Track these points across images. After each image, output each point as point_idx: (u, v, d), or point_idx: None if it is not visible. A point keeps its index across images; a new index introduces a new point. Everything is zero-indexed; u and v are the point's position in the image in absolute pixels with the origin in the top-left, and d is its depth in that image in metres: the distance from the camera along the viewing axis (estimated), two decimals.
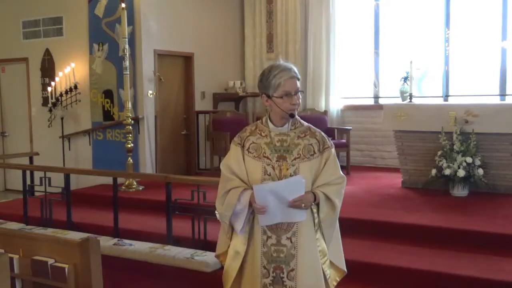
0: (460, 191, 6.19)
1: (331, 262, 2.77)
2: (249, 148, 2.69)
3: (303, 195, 2.56)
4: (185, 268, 4.56)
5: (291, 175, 2.60)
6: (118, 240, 5.20)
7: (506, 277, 3.96)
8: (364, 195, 6.43)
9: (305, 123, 2.76)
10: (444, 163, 6.17)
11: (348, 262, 4.49)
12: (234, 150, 2.73)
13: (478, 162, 6.10)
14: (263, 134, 2.69)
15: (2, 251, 2.74)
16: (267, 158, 2.64)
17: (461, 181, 6.12)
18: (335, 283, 2.83)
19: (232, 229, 2.73)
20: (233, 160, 2.71)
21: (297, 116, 2.71)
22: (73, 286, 2.59)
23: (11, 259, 2.69)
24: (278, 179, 2.61)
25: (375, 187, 6.92)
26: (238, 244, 2.72)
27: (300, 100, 2.68)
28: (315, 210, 2.67)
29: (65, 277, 2.59)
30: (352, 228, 5.14)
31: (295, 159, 2.63)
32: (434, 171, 6.29)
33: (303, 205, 2.56)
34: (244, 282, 2.73)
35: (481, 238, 4.69)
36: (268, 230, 2.65)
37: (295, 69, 2.66)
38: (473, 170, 6.06)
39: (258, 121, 2.78)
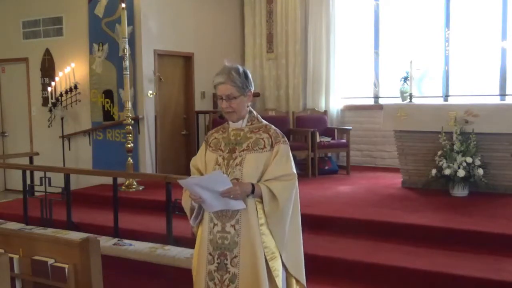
0: (460, 191, 6.19)
1: (286, 269, 2.78)
2: (210, 143, 2.86)
3: (231, 187, 2.61)
4: (185, 268, 4.55)
5: (236, 165, 2.70)
6: (118, 240, 5.20)
7: (506, 277, 3.96)
8: (364, 195, 6.43)
9: (264, 122, 2.85)
10: (444, 163, 6.17)
11: (348, 262, 4.52)
12: (201, 147, 2.93)
13: (478, 162, 6.09)
14: (223, 131, 2.85)
15: (2, 251, 2.74)
16: (221, 150, 2.79)
17: (461, 181, 6.11)
18: None
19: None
20: (198, 156, 2.92)
21: (256, 114, 2.85)
22: (73, 286, 2.59)
23: (11, 259, 2.70)
24: (226, 168, 2.72)
25: (375, 187, 6.92)
26: (199, 234, 2.87)
27: (238, 104, 2.72)
28: (259, 206, 2.71)
29: (65, 277, 2.59)
30: (352, 228, 5.17)
31: (242, 150, 2.74)
32: (434, 171, 6.29)
33: (231, 196, 2.62)
34: (195, 270, 2.85)
35: (481, 238, 4.69)
36: (215, 218, 2.75)
37: (231, 75, 2.71)
38: (473, 170, 6.06)
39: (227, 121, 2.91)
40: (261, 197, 2.68)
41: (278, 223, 2.73)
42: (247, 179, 2.68)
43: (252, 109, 2.86)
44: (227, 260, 2.72)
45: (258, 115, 2.87)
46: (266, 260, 2.70)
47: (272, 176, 2.70)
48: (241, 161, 2.71)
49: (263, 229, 2.70)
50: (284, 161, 2.73)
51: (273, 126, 2.83)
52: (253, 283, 2.67)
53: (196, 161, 2.90)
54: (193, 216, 2.82)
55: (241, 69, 2.77)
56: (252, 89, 2.81)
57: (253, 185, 2.67)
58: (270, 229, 2.72)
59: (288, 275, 2.80)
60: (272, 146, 2.73)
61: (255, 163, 2.70)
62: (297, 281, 2.83)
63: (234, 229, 2.71)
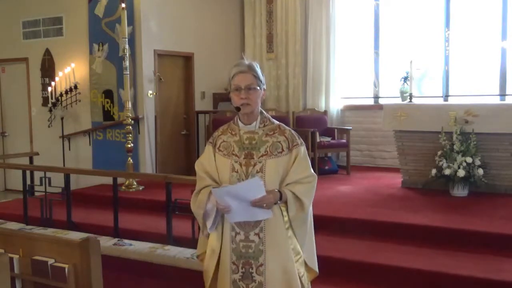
0: (460, 191, 6.19)
1: (305, 262, 2.79)
2: (219, 146, 2.74)
3: (265, 195, 2.56)
4: (185, 268, 4.56)
5: (257, 172, 2.63)
6: (118, 240, 5.20)
7: (506, 277, 3.96)
8: (364, 195, 6.43)
9: (276, 122, 2.78)
10: (444, 163, 6.17)
11: (348, 262, 4.52)
12: (207, 149, 2.79)
13: (478, 162, 6.09)
14: (233, 133, 2.74)
15: (2, 251, 2.74)
16: (235, 155, 2.68)
17: (461, 181, 6.12)
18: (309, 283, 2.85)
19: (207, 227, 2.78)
20: (206, 159, 2.78)
21: (267, 115, 2.77)
22: (73, 286, 2.59)
23: (11, 259, 2.70)
24: (245, 176, 2.64)
25: (375, 187, 6.92)
26: (213, 242, 2.76)
27: (256, 97, 2.66)
28: (283, 209, 2.68)
29: (65, 277, 2.59)
30: (352, 228, 5.17)
31: (261, 156, 2.66)
32: (434, 171, 6.29)
33: (264, 205, 2.58)
34: (218, 279, 2.76)
35: (481, 238, 4.69)
36: (237, 227, 2.68)
37: (252, 66, 2.67)
38: (473, 170, 6.06)
39: (231, 121, 2.82)
40: (285, 202, 2.66)
41: (303, 224, 2.73)
42: (270, 186, 2.62)
43: (262, 110, 2.79)
44: (252, 269, 2.67)
45: (269, 115, 2.80)
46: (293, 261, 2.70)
47: (293, 179, 2.67)
48: (262, 168, 2.64)
49: (289, 232, 2.70)
50: (303, 164, 2.69)
51: (287, 127, 2.77)
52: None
53: (205, 166, 2.76)
54: (211, 223, 2.71)
55: (258, 65, 2.73)
56: (265, 88, 2.76)
57: (279, 191, 2.63)
58: (294, 231, 2.71)
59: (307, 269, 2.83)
60: (289, 149, 2.68)
61: (276, 169, 2.65)
62: (309, 269, 2.83)
63: (259, 237, 2.66)
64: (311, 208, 2.78)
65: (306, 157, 2.73)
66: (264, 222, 2.65)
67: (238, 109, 2.66)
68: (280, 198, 2.63)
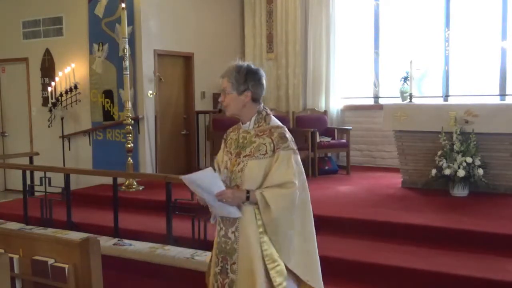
0: (460, 191, 6.19)
1: (296, 276, 2.71)
2: (227, 142, 2.86)
3: (223, 190, 2.61)
4: (185, 268, 4.56)
5: (238, 171, 2.68)
6: (118, 240, 5.20)
7: (506, 277, 3.96)
8: (364, 195, 6.43)
9: (272, 123, 2.76)
10: (444, 163, 6.17)
11: (348, 262, 4.52)
12: (222, 145, 2.93)
13: (478, 162, 6.09)
14: (236, 131, 2.84)
15: (2, 251, 2.74)
16: (230, 153, 2.78)
17: (461, 181, 6.11)
18: None
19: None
20: (219, 153, 2.91)
21: (265, 116, 2.77)
22: (73, 286, 2.59)
23: (11, 259, 2.69)
24: (231, 174, 2.71)
25: (375, 187, 6.91)
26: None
27: (230, 100, 2.73)
28: (257, 212, 2.65)
29: (65, 277, 2.59)
30: (352, 228, 5.17)
31: (245, 156, 2.70)
32: (434, 171, 6.28)
33: (223, 200, 2.62)
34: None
35: (481, 238, 4.69)
36: (221, 222, 2.77)
37: (229, 71, 2.76)
38: (473, 170, 6.06)
39: None
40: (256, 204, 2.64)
41: (276, 232, 2.64)
42: (246, 187, 2.64)
43: (262, 110, 2.78)
44: (227, 265, 2.72)
45: (269, 116, 2.78)
46: (267, 269, 2.64)
47: (270, 183, 2.63)
48: (243, 168, 2.67)
49: (264, 237, 2.65)
50: (283, 168, 2.63)
51: (279, 130, 2.72)
52: None
53: (218, 159, 2.90)
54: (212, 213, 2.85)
55: (243, 69, 2.74)
56: (255, 91, 2.74)
57: (248, 191, 2.63)
58: (269, 237, 2.65)
59: (302, 283, 2.73)
60: (273, 152, 2.65)
61: (256, 170, 2.65)
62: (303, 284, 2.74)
63: (234, 235, 2.70)
64: (305, 217, 2.71)
65: (289, 162, 2.64)
66: (238, 221, 2.69)
67: (220, 110, 2.84)
68: (248, 199, 2.62)
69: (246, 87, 2.72)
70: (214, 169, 2.74)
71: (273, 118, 2.82)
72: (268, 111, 2.83)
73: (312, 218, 2.77)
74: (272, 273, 2.64)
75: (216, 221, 2.82)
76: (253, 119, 2.76)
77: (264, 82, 2.80)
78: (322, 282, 2.79)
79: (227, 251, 2.73)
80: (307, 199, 2.74)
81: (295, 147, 2.73)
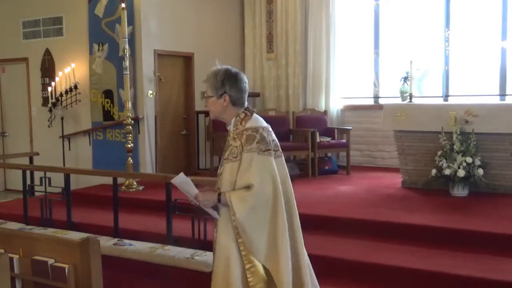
0: (460, 191, 6.19)
1: (267, 274, 2.73)
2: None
3: (196, 193, 2.75)
4: (185, 268, 4.55)
5: (219, 175, 2.80)
6: (118, 240, 5.19)
7: (506, 277, 3.96)
8: (364, 195, 6.43)
9: (248, 125, 2.75)
10: (444, 163, 6.17)
11: (348, 262, 4.52)
12: None
13: (478, 162, 6.09)
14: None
15: (2, 251, 2.74)
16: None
17: (461, 181, 6.11)
18: None
19: None
20: None
21: (243, 118, 2.78)
22: (73, 286, 2.59)
23: (11, 259, 2.69)
24: (218, 176, 2.85)
25: (375, 187, 6.91)
26: None
27: (211, 105, 2.86)
28: (231, 212, 2.69)
29: (65, 277, 2.59)
30: (352, 228, 5.17)
31: (225, 159, 2.79)
32: (434, 171, 6.29)
33: (197, 203, 2.75)
34: None
35: (481, 238, 4.69)
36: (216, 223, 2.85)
37: (208, 75, 2.83)
38: (473, 170, 6.06)
39: None
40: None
41: (244, 232, 2.68)
42: (223, 190, 2.74)
43: (241, 112, 2.79)
44: (214, 261, 2.85)
45: (247, 117, 2.77)
46: (244, 269, 2.71)
47: (238, 186, 2.69)
48: (222, 171, 2.79)
49: (240, 239, 2.71)
50: (244, 170, 2.66)
51: (248, 132, 2.71)
52: None
53: None
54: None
55: (221, 73, 2.77)
56: (232, 94, 2.76)
57: (220, 194, 2.71)
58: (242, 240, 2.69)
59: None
60: (241, 154, 2.70)
61: (230, 174, 2.72)
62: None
63: (215, 236, 2.82)
64: (277, 219, 2.70)
65: (250, 165, 2.65)
66: (217, 223, 2.78)
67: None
68: (219, 201, 2.71)
69: (223, 91, 2.77)
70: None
71: (253, 119, 2.79)
72: (249, 112, 2.81)
73: (284, 214, 2.72)
74: (248, 273, 2.71)
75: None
76: (233, 121, 2.81)
77: (242, 85, 2.80)
78: (288, 276, 2.73)
79: (214, 249, 2.84)
80: (276, 196, 2.69)
81: (265, 147, 2.69)
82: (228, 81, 2.77)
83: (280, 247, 2.71)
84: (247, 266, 2.70)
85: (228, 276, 2.70)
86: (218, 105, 2.81)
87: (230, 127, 2.83)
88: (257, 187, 2.64)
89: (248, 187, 2.65)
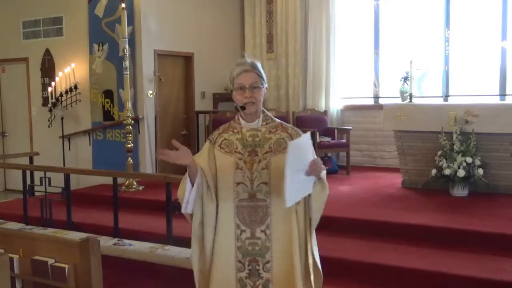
0: (460, 191, 6.19)
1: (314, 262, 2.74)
2: (221, 144, 2.71)
3: (315, 159, 2.59)
4: (185, 268, 4.55)
5: (262, 169, 2.62)
6: (118, 240, 5.20)
7: (506, 277, 3.96)
8: (364, 195, 6.43)
9: (277, 120, 2.76)
10: (444, 163, 6.17)
11: (348, 262, 4.52)
12: (204, 146, 2.78)
13: (478, 162, 6.09)
14: (235, 131, 2.71)
15: (2, 251, 2.74)
16: (239, 153, 2.66)
17: (461, 181, 6.11)
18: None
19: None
20: (200, 159, 2.71)
21: (268, 113, 2.75)
22: (73, 286, 2.59)
23: (11, 259, 2.69)
24: (250, 173, 2.63)
25: (375, 187, 6.91)
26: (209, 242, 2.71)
27: (260, 96, 2.64)
28: (323, 188, 2.72)
29: (65, 277, 2.59)
30: (352, 228, 5.17)
31: (266, 152, 2.65)
32: (434, 171, 6.29)
33: (317, 170, 2.58)
34: (213, 280, 2.70)
35: (481, 238, 4.69)
36: (242, 224, 2.65)
37: (255, 64, 2.65)
38: (473, 170, 6.06)
39: (232, 120, 2.79)
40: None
41: (321, 208, 2.77)
42: (277, 182, 2.59)
43: (263, 108, 2.77)
44: (259, 266, 2.65)
45: (269, 113, 2.78)
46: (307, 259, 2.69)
47: None
48: (267, 164, 2.63)
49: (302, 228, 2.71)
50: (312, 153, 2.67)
51: (288, 125, 2.77)
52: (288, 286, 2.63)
53: (202, 163, 2.68)
54: (184, 200, 2.63)
55: (260, 64, 2.71)
56: (267, 87, 2.74)
57: None
58: (311, 217, 2.72)
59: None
60: None
61: (281, 164, 2.56)
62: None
63: (265, 234, 2.64)
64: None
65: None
66: (270, 219, 2.64)
67: (243, 108, 2.63)
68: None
69: (265, 82, 2.70)
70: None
71: None
72: None
73: None
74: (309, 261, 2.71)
75: (189, 207, 2.64)
76: (261, 116, 2.71)
77: None
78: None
79: (256, 252, 2.65)
80: None
81: None
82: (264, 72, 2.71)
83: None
84: (310, 261, 2.70)
85: (293, 269, 2.63)
86: (262, 98, 2.68)
87: (258, 122, 2.70)
88: None
89: None
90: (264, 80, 2.68)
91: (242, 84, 2.61)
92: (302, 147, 2.51)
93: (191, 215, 2.67)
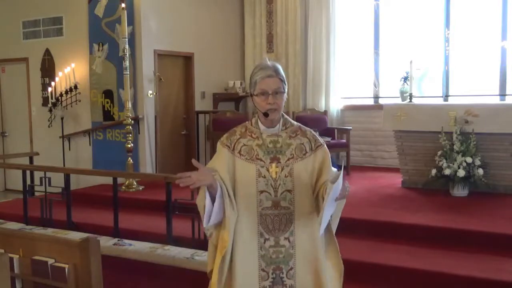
0: (460, 191, 6.19)
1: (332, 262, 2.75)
2: (240, 150, 2.62)
3: (345, 184, 2.51)
4: (185, 268, 4.56)
5: (285, 176, 2.57)
6: (118, 240, 5.20)
7: (506, 277, 3.96)
8: (364, 195, 6.43)
9: (295, 123, 2.71)
10: (444, 163, 6.17)
11: (348, 262, 4.50)
12: (222, 153, 2.65)
13: (478, 162, 6.09)
14: (254, 136, 2.63)
15: (2, 251, 2.74)
16: (261, 160, 2.59)
17: (461, 181, 6.12)
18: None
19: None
20: (219, 165, 2.61)
21: (286, 116, 2.70)
22: (73, 286, 2.59)
23: (11, 259, 2.70)
24: (273, 181, 2.58)
25: (375, 187, 6.91)
26: (221, 249, 2.64)
27: (282, 102, 2.57)
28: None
29: (65, 277, 2.59)
30: (352, 228, 5.15)
31: (288, 159, 2.59)
32: (434, 171, 6.29)
33: (347, 192, 2.53)
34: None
35: (481, 238, 4.69)
36: (266, 233, 2.61)
37: (277, 69, 2.57)
38: (473, 170, 6.06)
39: (247, 122, 2.71)
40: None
41: (339, 214, 2.74)
42: (299, 188, 2.58)
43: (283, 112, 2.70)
44: (282, 273, 2.62)
45: (287, 116, 2.72)
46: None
47: (329, 176, 2.58)
48: (290, 172, 2.58)
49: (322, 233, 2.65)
50: (329, 163, 2.64)
51: (306, 128, 2.70)
52: None
53: (220, 172, 2.58)
54: (208, 216, 2.55)
55: (282, 68, 2.65)
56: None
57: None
58: (331, 223, 2.69)
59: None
60: (313, 150, 2.61)
61: (305, 171, 2.59)
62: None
63: (289, 241, 2.61)
64: None
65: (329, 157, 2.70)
66: (293, 226, 2.60)
67: (266, 115, 2.55)
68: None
69: (286, 86, 2.63)
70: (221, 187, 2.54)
71: None
72: None
73: None
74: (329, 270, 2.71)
75: (212, 222, 2.58)
76: (281, 121, 2.64)
77: None
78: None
79: (280, 260, 2.62)
80: None
81: None
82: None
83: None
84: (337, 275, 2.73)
85: (319, 274, 2.62)
86: (283, 103, 2.61)
87: (278, 127, 2.63)
88: None
89: None
90: (285, 84, 2.61)
91: (265, 90, 2.53)
92: (338, 185, 2.46)
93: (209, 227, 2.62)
